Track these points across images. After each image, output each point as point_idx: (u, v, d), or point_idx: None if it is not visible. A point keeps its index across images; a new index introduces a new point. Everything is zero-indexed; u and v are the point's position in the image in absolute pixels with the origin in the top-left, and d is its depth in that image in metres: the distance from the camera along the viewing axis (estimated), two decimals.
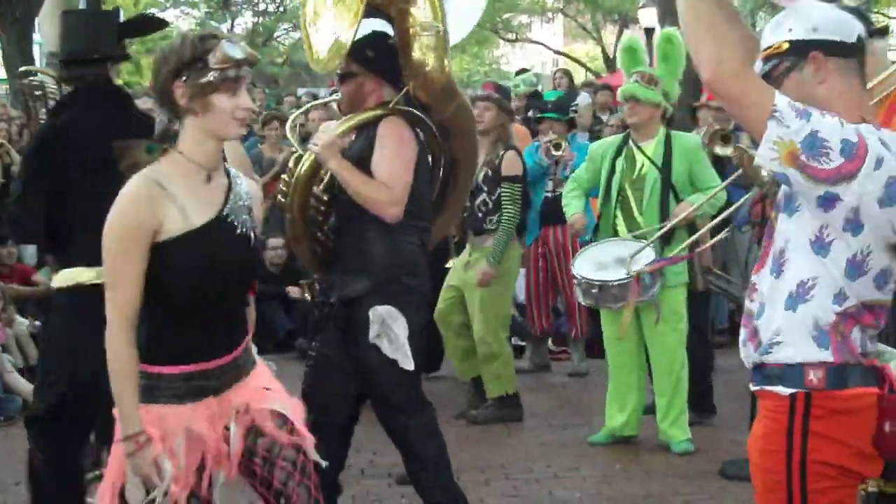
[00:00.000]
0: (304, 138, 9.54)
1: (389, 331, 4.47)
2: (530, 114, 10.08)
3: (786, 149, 2.60)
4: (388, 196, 4.46)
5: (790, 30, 2.75)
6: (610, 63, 30.45)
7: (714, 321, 8.50)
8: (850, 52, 2.75)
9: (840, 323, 2.71)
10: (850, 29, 2.76)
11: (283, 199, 4.70)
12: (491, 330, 6.88)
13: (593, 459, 6.14)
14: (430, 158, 4.75)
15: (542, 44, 39.39)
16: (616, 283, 5.83)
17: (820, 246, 2.69)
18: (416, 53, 4.56)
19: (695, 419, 6.38)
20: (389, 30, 4.67)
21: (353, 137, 4.69)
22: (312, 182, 4.67)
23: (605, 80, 17.56)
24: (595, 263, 5.99)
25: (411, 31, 4.55)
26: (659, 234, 5.98)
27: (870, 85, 3.54)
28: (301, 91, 19.14)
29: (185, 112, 3.02)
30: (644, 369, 6.33)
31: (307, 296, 5.27)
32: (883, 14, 31.86)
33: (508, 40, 38.77)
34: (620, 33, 30.94)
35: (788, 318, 2.73)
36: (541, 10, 36.34)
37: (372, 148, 4.53)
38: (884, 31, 3.97)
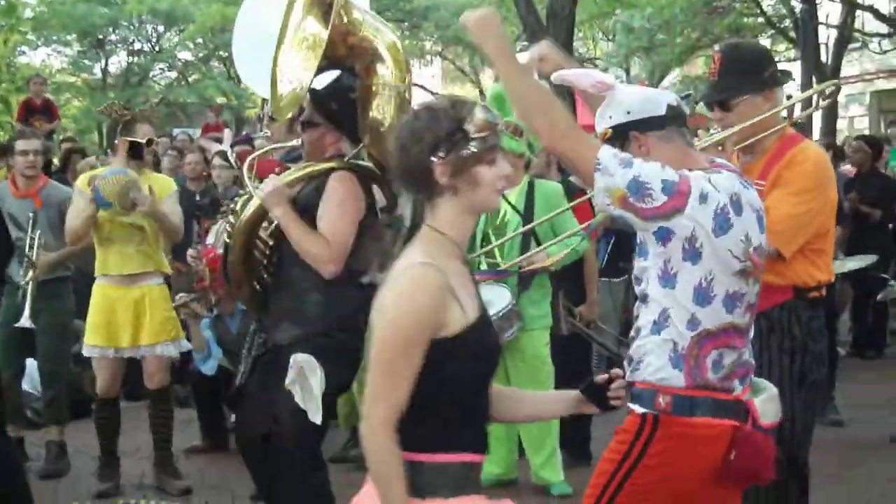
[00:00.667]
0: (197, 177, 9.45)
1: (305, 381, 4.46)
2: None
3: (615, 195, 2.97)
4: (326, 252, 4.48)
5: (610, 117, 3.16)
6: None
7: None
8: (663, 123, 3.12)
9: (695, 347, 3.01)
10: (656, 103, 3.14)
11: (227, 241, 4.70)
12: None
13: None
14: (380, 214, 4.78)
15: (421, 86, 39.64)
16: None
17: (666, 279, 3.03)
18: (374, 111, 4.58)
19: (570, 461, 6.41)
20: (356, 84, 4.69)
21: (299, 187, 4.66)
22: (257, 226, 4.66)
23: None
24: None
25: (373, 87, 4.58)
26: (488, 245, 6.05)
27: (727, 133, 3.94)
28: (176, 131, 18.90)
29: (444, 190, 2.64)
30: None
31: None
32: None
33: None
34: (498, 76, 31.39)
35: (652, 341, 3.07)
36: (419, 52, 36.60)
37: (319, 199, 4.54)
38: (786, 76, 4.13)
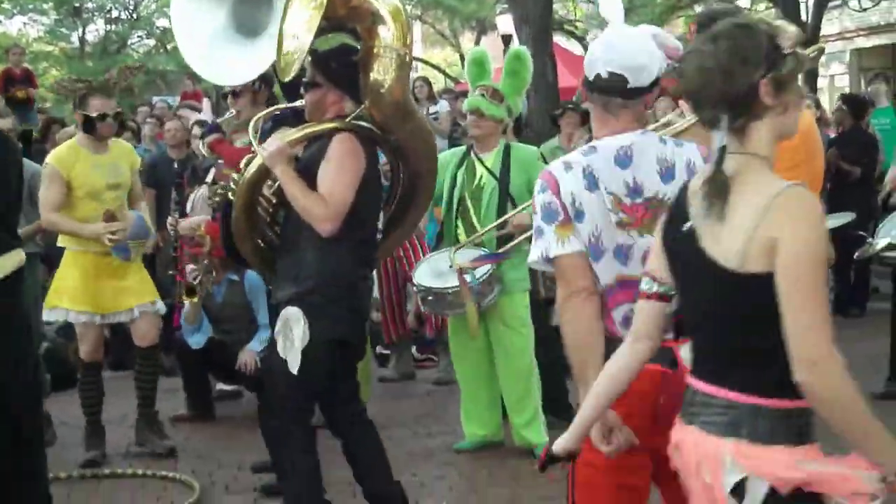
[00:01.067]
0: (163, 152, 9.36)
1: (289, 331, 4.59)
2: None
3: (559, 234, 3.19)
4: (324, 210, 4.54)
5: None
6: None
7: None
8: (590, 89, 3.25)
9: (604, 300, 3.15)
10: (590, 68, 3.24)
11: (231, 198, 4.78)
12: None
13: (459, 467, 6.15)
14: (383, 177, 4.89)
15: None
16: (450, 289, 5.96)
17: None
18: (375, 73, 4.61)
19: (554, 422, 6.43)
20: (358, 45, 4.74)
21: (301, 147, 4.80)
22: (259, 184, 4.76)
23: (464, 86, 17.66)
24: (434, 272, 6.14)
25: (375, 49, 4.61)
26: (485, 231, 6.09)
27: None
28: (156, 99, 18.76)
29: (765, 112, 2.52)
30: (496, 380, 6.36)
31: None
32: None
33: None
34: (478, 40, 31.22)
35: None
36: None
37: (320, 158, 4.60)
38: None
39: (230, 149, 5.70)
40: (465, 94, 12.50)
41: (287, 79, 4.70)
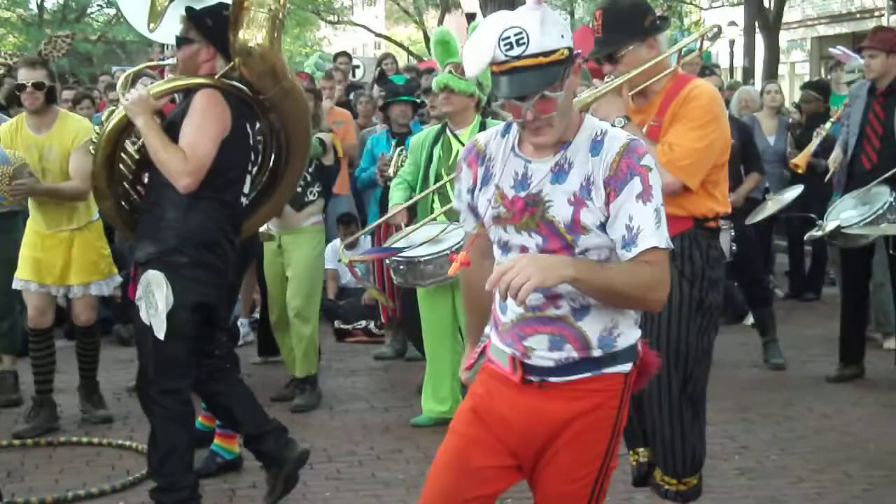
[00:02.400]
0: None
1: (151, 296, 4.48)
2: (372, 95, 10.43)
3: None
4: (182, 165, 4.43)
5: (562, 36, 2.83)
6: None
7: None
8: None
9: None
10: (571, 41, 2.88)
11: (92, 152, 4.62)
12: (310, 309, 6.87)
13: (417, 441, 6.16)
14: (250, 135, 4.71)
15: (364, 26, 39.32)
16: (424, 258, 5.92)
17: None
18: (245, 29, 4.49)
19: None
20: None
21: (165, 100, 4.67)
22: (121, 137, 4.61)
23: (429, 63, 17.64)
24: (406, 244, 6.08)
25: (245, 4, 4.48)
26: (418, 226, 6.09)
27: (621, 80, 4.07)
28: (115, 69, 18.56)
29: None
30: (459, 354, 6.37)
31: None
32: (694, 5, 33.01)
33: (330, 22, 38.54)
34: (443, 17, 31.17)
35: None
36: None
37: (186, 115, 4.50)
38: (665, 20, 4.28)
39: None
40: (429, 71, 12.55)
41: (151, 31, 4.62)
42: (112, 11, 35.91)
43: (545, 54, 2.77)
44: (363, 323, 8.97)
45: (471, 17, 19.39)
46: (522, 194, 2.91)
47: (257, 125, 4.86)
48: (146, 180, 4.71)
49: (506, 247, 2.98)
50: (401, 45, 35.62)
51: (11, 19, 35.11)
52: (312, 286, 6.89)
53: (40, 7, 35.13)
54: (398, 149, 7.89)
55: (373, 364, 8.16)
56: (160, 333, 4.47)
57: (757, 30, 25.52)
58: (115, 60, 28.60)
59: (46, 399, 6.38)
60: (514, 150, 2.96)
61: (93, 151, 4.61)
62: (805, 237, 8.01)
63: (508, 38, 2.76)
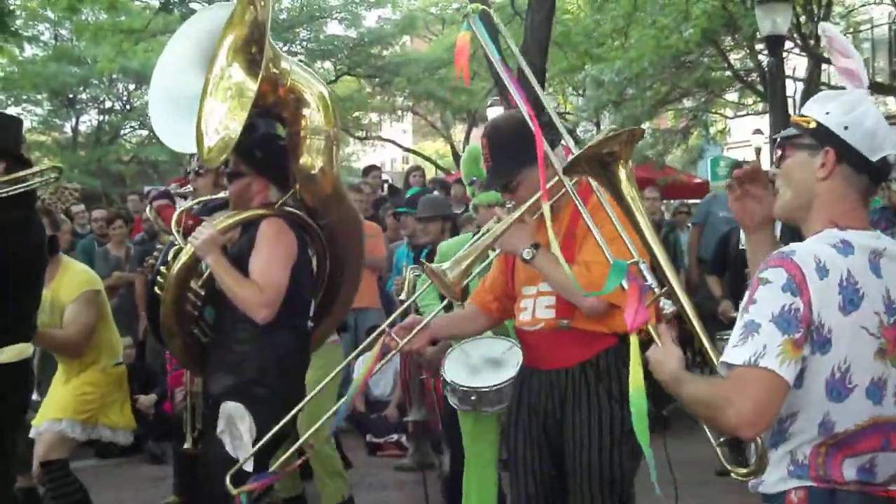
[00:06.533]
0: (153, 235, 9.41)
1: (234, 428, 4.41)
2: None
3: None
4: (259, 297, 4.39)
5: (827, 113, 2.66)
6: (459, 159, 30.83)
7: None
8: (864, 168, 2.64)
9: (838, 446, 2.64)
10: (878, 145, 2.64)
11: (158, 292, 4.60)
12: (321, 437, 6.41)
13: None
14: (314, 261, 4.73)
15: (392, 141, 39.83)
16: (494, 388, 5.55)
17: None
18: (305, 156, 4.56)
19: None
20: (281, 130, 4.68)
21: (234, 235, 4.64)
22: (189, 276, 4.59)
23: (456, 176, 17.80)
24: (467, 367, 5.75)
25: (302, 133, 4.55)
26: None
27: (520, 211, 3.86)
28: (148, 188, 18.82)
29: None
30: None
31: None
32: None
33: (359, 138, 39.05)
34: (470, 130, 31.50)
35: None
36: (391, 108, 36.77)
37: (252, 247, 4.48)
38: None
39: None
40: (458, 181, 12.66)
41: (213, 166, 4.61)
42: (144, 133, 36.58)
43: None
44: (394, 436, 8.90)
45: None
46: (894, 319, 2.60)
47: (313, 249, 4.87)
48: (208, 316, 4.69)
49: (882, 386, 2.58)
50: (428, 159, 35.95)
51: (47, 142, 35.75)
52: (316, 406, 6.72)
53: (75, 130, 35.77)
54: (410, 268, 7.76)
55: (403, 477, 8.05)
56: (249, 465, 4.35)
57: None
58: (147, 180, 29.00)
59: None
60: None
61: (159, 292, 4.58)
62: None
63: None
